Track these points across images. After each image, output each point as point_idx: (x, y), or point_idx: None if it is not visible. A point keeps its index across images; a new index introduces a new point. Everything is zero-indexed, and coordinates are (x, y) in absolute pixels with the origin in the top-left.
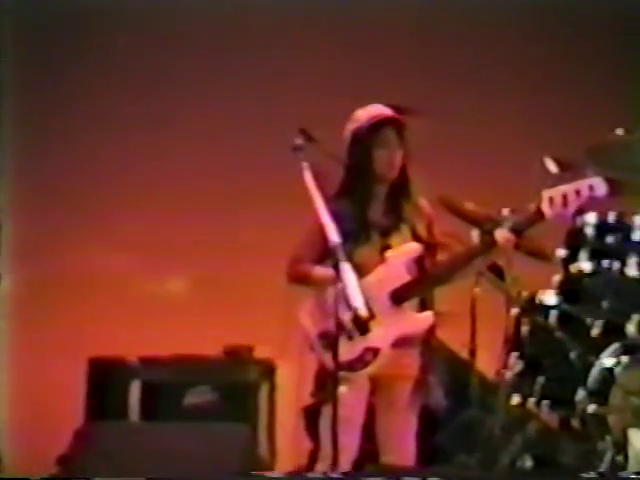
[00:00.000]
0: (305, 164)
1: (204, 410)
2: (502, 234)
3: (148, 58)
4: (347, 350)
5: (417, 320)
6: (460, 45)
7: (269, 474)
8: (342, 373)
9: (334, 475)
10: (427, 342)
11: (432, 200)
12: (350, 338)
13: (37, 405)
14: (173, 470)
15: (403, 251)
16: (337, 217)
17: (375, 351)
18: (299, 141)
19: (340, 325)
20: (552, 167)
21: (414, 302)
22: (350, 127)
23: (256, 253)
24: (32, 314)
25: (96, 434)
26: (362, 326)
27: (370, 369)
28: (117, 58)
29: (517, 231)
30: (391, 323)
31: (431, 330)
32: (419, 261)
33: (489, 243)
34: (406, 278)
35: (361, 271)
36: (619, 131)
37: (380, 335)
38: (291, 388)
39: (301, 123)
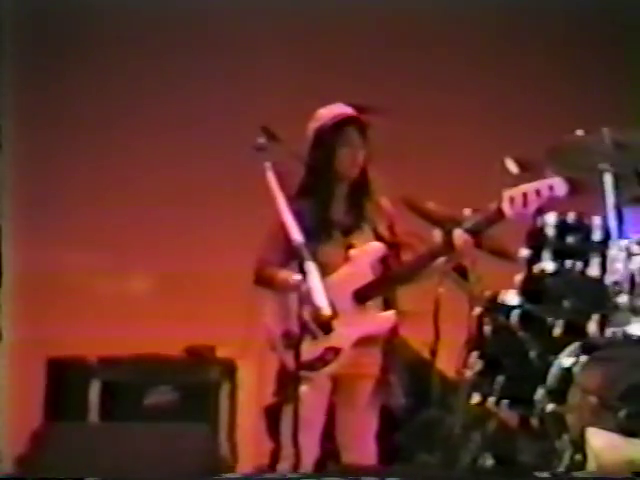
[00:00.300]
0: (268, 164)
1: (164, 410)
2: (459, 235)
3: (114, 59)
4: (309, 350)
5: (380, 319)
6: (421, 45)
7: (230, 476)
8: (303, 373)
9: (294, 475)
10: (389, 341)
11: (393, 199)
12: (313, 338)
13: None
14: (133, 471)
15: (367, 250)
16: (298, 216)
17: (336, 350)
18: (262, 140)
19: (303, 325)
20: (512, 167)
21: (378, 301)
22: (313, 126)
23: (218, 253)
24: None
25: (55, 434)
26: (325, 325)
27: (330, 368)
28: (86, 61)
29: (475, 231)
30: (354, 322)
31: (394, 329)
32: (383, 260)
33: (448, 244)
34: (369, 277)
35: (324, 270)
36: (579, 132)
37: (342, 334)
38: (252, 388)
39: (264, 122)
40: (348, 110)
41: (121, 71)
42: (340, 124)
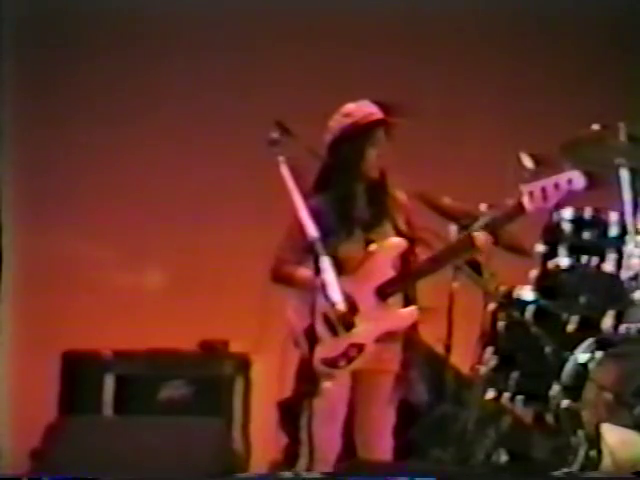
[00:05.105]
0: (281, 158)
1: (178, 404)
2: (481, 235)
3: (129, 52)
4: (332, 346)
5: (401, 316)
6: (437, 42)
7: (245, 475)
8: (325, 369)
9: (315, 475)
10: (409, 337)
11: (410, 195)
12: (335, 334)
13: (10, 398)
14: (146, 465)
15: (388, 246)
16: (317, 212)
17: (360, 347)
18: (275, 134)
19: (326, 320)
20: (528, 162)
21: (398, 297)
22: (341, 121)
23: (232, 248)
24: (5, 306)
25: (69, 428)
26: (347, 322)
27: (354, 365)
28: (101, 53)
29: (495, 227)
30: (376, 319)
31: (414, 325)
32: (402, 256)
33: (468, 243)
34: (391, 274)
35: (345, 266)
36: (595, 126)
37: (365, 331)
38: (266, 383)
39: (278, 117)
40: (377, 111)
41: (136, 65)
42: (371, 125)
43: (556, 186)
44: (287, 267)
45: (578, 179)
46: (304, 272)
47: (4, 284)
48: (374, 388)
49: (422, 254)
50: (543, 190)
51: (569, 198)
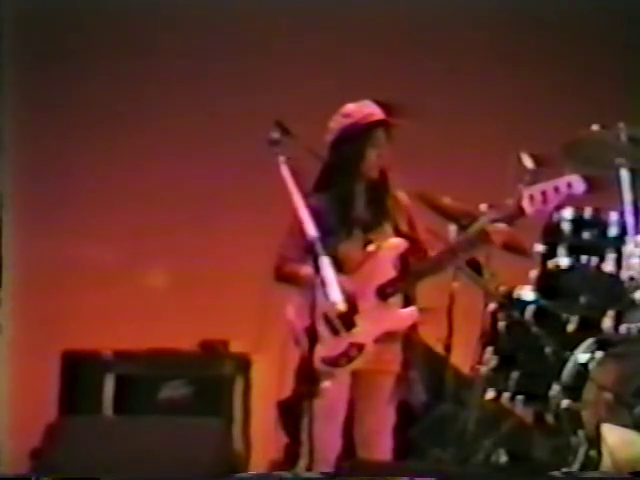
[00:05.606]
0: (282, 158)
1: (178, 404)
2: (494, 228)
3: (129, 54)
4: (332, 345)
5: (402, 316)
6: (438, 42)
7: (244, 475)
8: (325, 368)
9: (315, 475)
10: (409, 338)
11: (410, 195)
12: (336, 333)
13: (10, 398)
14: (146, 465)
15: (389, 246)
16: (317, 212)
17: (360, 347)
18: (275, 135)
19: (326, 320)
20: (528, 162)
21: (398, 298)
22: (341, 122)
23: (232, 248)
24: (5, 307)
25: (69, 428)
26: (347, 321)
27: (354, 364)
28: (101, 56)
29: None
30: (377, 319)
31: (413, 326)
32: (402, 256)
33: (478, 237)
34: (392, 274)
35: (344, 266)
36: (595, 127)
37: (365, 330)
38: (267, 383)
39: (278, 117)
40: (378, 111)
41: (136, 67)
42: (371, 125)
43: (556, 190)
44: (290, 265)
45: (578, 183)
46: (307, 270)
47: (4, 284)
48: (374, 388)
49: (422, 254)
50: (543, 194)
51: (569, 201)
